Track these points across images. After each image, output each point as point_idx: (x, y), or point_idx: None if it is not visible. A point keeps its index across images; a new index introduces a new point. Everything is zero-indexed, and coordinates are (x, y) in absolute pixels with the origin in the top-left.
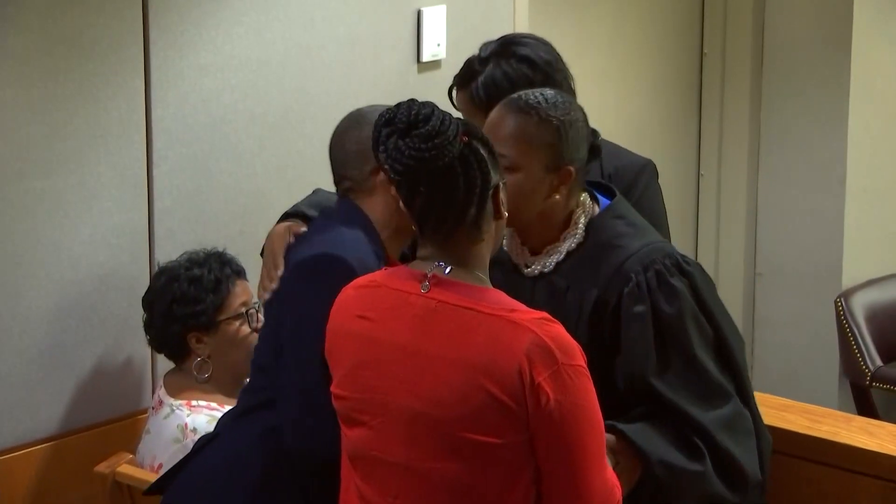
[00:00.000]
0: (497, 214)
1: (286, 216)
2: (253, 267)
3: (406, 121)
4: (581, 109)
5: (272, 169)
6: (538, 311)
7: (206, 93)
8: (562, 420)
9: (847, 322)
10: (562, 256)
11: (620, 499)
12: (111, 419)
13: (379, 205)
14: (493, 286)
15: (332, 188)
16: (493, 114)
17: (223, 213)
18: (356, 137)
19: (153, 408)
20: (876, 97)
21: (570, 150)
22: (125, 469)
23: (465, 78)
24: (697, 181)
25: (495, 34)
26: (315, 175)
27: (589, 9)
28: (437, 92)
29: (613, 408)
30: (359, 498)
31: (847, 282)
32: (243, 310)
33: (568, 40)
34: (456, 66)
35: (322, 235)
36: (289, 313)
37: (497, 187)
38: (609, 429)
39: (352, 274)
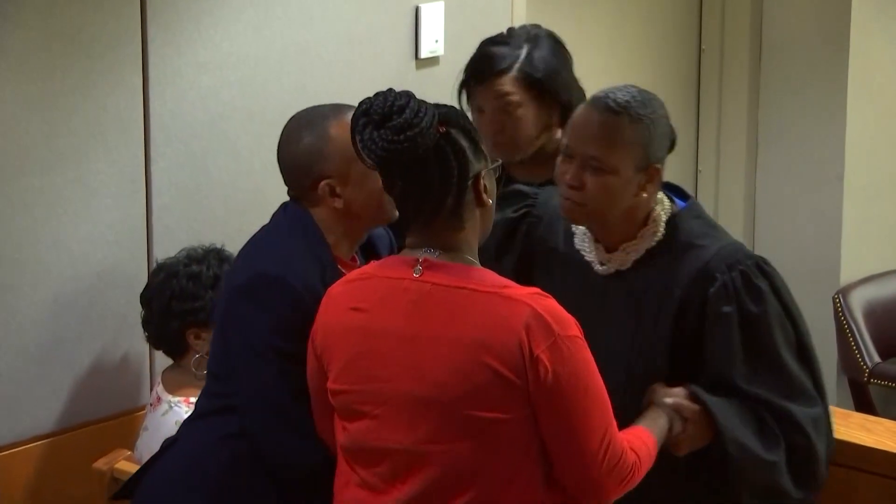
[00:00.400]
0: (479, 202)
1: None
2: None
3: (381, 112)
4: (663, 105)
5: (270, 166)
6: (530, 287)
7: (205, 90)
8: (561, 391)
9: (845, 318)
10: (640, 254)
11: (636, 462)
12: (109, 416)
13: (323, 212)
14: (563, 284)
15: None
16: (581, 114)
17: (221, 210)
18: (293, 151)
19: (151, 404)
20: (874, 94)
21: (657, 148)
22: (123, 466)
23: (494, 66)
24: (696, 177)
25: (493, 30)
26: None
27: (587, 5)
28: (435, 88)
29: None
30: (360, 487)
31: (845, 278)
32: None
33: (566, 36)
34: (454, 63)
35: (260, 251)
36: (236, 337)
37: (478, 175)
38: (692, 396)
39: (290, 290)
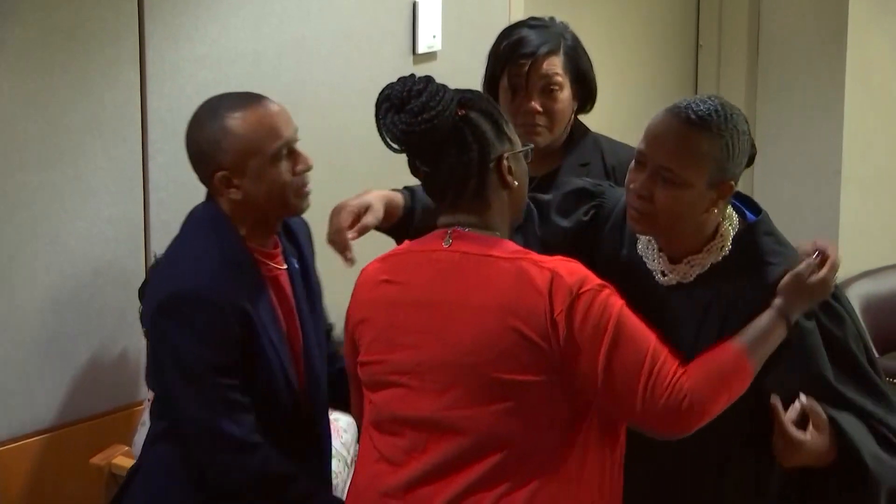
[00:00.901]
0: (503, 184)
1: None
2: None
3: (400, 96)
4: (746, 120)
5: None
6: (555, 255)
7: (202, 85)
8: (585, 345)
9: None
10: (705, 269)
11: (692, 388)
12: (107, 411)
13: (226, 204)
14: (622, 289)
15: (331, 179)
16: (659, 122)
17: None
18: (195, 138)
19: (149, 400)
20: (871, 89)
21: (734, 165)
22: (121, 461)
23: (542, 45)
24: None
25: (491, 26)
26: None
27: (585, 1)
28: None
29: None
30: (379, 462)
31: (842, 273)
32: None
33: None
34: (451, 58)
35: (173, 265)
36: (166, 357)
37: (500, 158)
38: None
39: (205, 303)
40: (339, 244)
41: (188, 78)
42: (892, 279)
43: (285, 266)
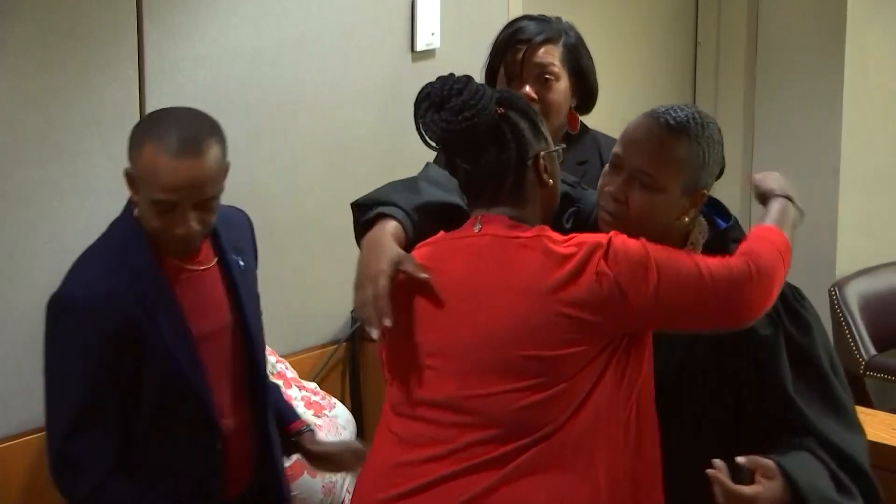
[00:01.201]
0: (540, 182)
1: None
2: None
3: (440, 94)
4: (720, 131)
5: (266, 159)
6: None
7: (201, 83)
8: (627, 291)
9: (841, 311)
10: None
11: (749, 261)
12: None
13: (138, 206)
14: None
15: (330, 177)
16: (637, 126)
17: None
18: (135, 128)
19: None
20: (870, 86)
21: (707, 174)
22: None
23: (540, 34)
24: None
25: (490, 24)
26: (309, 165)
27: None
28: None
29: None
30: (396, 443)
31: (841, 271)
32: None
33: None
34: (450, 56)
35: (72, 269)
36: (44, 359)
37: (537, 156)
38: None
39: (77, 311)
40: (379, 310)
41: (187, 76)
42: (890, 277)
43: (214, 261)
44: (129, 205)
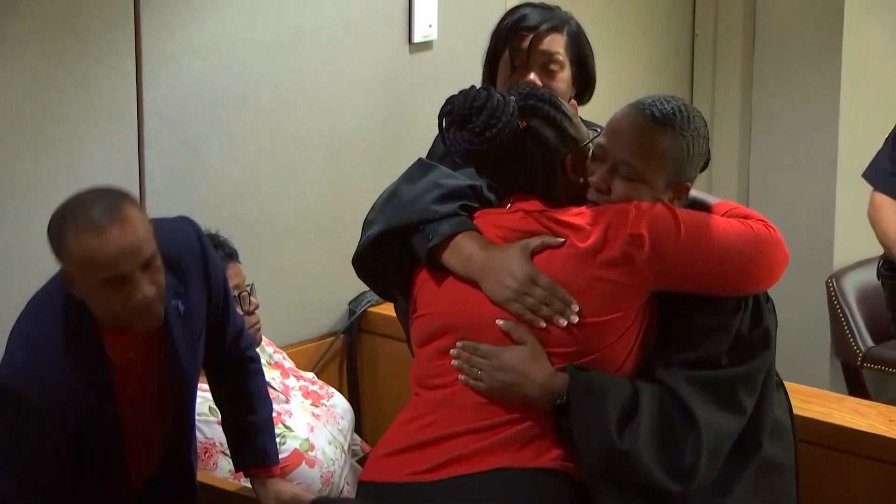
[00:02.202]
0: (569, 182)
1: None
2: (244, 249)
3: (462, 113)
4: (706, 124)
5: (264, 151)
6: None
7: (198, 75)
8: (661, 250)
9: (838, 303)
10: None
11: (752, 224)
12: None
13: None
14: None
15: (327, 169)
16: (622, 117)
17: (214, 195)
18: (51, 222)
19: None
20: (868, 79)
21: (691, 167)
22: None
23: (546, 22)
24: None
25: (487, 15)
26: (307, 157)
27: None
28: (428, 73)
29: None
30: (413, 419)
31: (838, 262)
32: (235, 293)
33: None
34: (448, 48)
35: (16, 345)
36: None
37: (564, 160)
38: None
39: (19, 400)
40: (560, 299)
41: (184, 67)
42: None
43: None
44: (62, 279)
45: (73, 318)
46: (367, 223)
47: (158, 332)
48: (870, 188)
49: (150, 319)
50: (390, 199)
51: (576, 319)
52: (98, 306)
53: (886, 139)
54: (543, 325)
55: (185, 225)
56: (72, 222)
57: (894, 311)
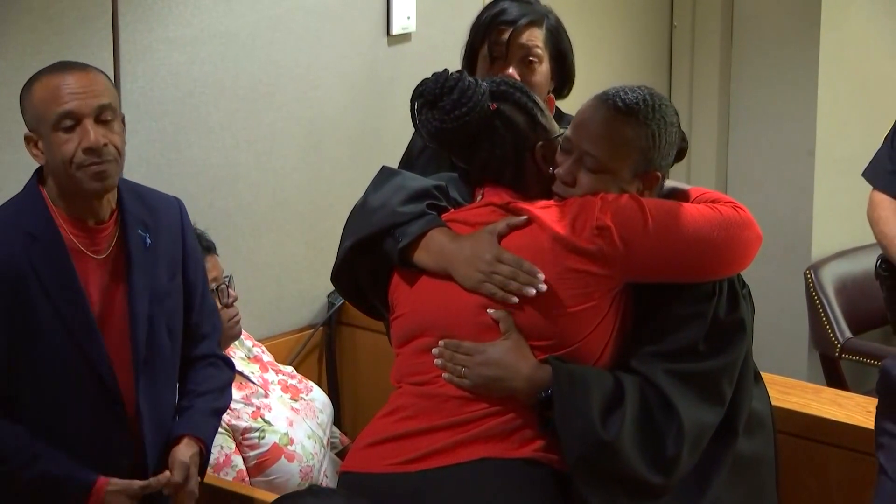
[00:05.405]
0: (540, 172)
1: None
2: (222, 241)
3: (433, 92)
4: (675, 112)
5: (242, 142)
6: None
7: (176, 66)
8: (628, 240)
9: (817, 294)
10: None
11: (724, 208)
12: None
13: (43, 168)
14: None
15: (306, 160)
16: (586, 108)
17: (193, 186)
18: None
19: None
20: (845, 69)
21: (660, 156)
22: None
23: (525, 15)
24: None
25: (465, 8)
26: (284, 148)
27: None
28: (407, 65)
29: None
30: (391, 412)
31: (817, 253)
32: (213, 285)
33: None
34: (426, 40)
35: None
36: None
37: (534, 148)
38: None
39: None
40: (526, 270)
41: (161, 59)
42: (866, 259)
43: (114, 241)
44: (26, 144)
45: (30, 205)
46: (341, 239)
47: (118, 259)
48: (853, 180)
49: (99, 176)
50: (359, 211)
51: (543, 288)
52: (52, 157)
53: (886, 138)
54: (516, 300)
55: (174, 198)
56: (39, 75)
57: (893, 310)
